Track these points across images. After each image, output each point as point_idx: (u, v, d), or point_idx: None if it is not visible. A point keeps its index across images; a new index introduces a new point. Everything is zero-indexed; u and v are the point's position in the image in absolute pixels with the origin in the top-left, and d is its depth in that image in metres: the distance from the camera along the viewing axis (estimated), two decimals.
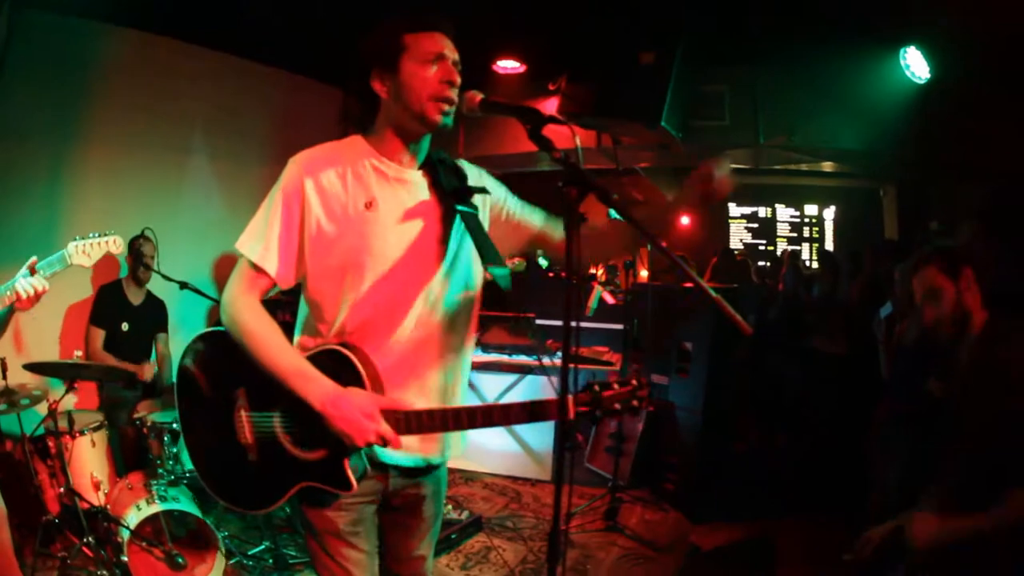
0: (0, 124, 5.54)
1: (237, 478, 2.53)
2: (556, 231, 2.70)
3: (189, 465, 4.86)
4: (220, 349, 2.52)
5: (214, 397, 2.53)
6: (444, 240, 2.41)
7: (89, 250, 3.67)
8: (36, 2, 5.53)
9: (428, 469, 2.56)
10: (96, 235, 3.73)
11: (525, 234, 2.70)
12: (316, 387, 2.21)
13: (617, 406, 2.12)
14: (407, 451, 2.36)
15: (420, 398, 2.38)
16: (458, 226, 2.43)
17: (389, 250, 2.33)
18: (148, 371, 5.92)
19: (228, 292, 2.37)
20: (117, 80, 6.34)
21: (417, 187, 2.41)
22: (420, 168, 2.44)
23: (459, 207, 2.38)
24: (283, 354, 2.29)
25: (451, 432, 2.42)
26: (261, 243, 2.32)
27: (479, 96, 2.22)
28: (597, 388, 2.12)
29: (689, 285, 7.59)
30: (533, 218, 2.72)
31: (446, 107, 2.28)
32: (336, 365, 2.29)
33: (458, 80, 2.29)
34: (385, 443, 2.18)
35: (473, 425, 2.27)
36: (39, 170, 5.92)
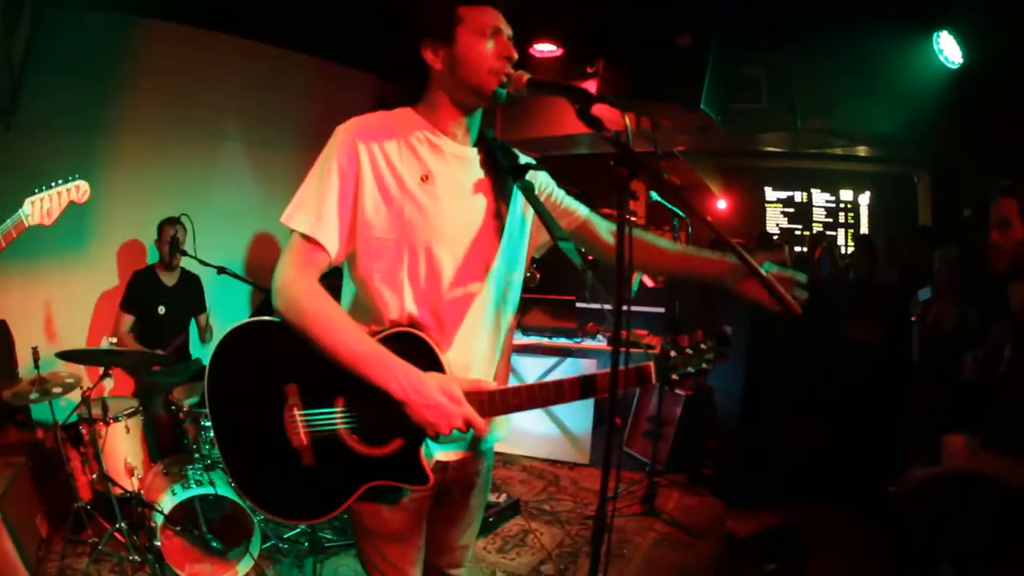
0: (29, 119, 5.59)
1: (289, 486, 2.28)
2: (599, 227, 2.66)
3: None
4: (259, 343, 2.28)
5: (256, 398, 2.25)
6: (501, 218, 2.36)
7: (48, 204, 3.51)
8: (57, 0, 5.58)
9: (478, 456, 2.51)
10: (57, 183, 3.57)
11: (569, 222, 2.64)
12: (397, 373, 2.06)
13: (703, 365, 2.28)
14: (462, 438, 2.27)
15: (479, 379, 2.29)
16: (513, 204, 2.40)
17: (448, 226, 2.23)
18: (181, 341, 5.99)
19: (282, 274, 2.15)
20: (145, 71, 6.42)
21: (472, 163, 2.34)
22: (474, 145, 2.37)
23: (518, 184, 2.34)
24: (357, 339, 2.10)
25: (498, 415, 2.27)
26: (313, 214, 2.14)
27: (526, 76, 2.16)
28: (674, 353, 2.23)
29: None
30: (579, 208, 2.66)
31: (504, 79, 2.19)
32: (410, 349, 2.14)
33: (515, 55, 2.22)
34: (469, 428, 2.09)
35: (561, 399, 2.19)
36: (70, 163, 5.91)
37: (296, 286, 2.12)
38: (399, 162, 2.19)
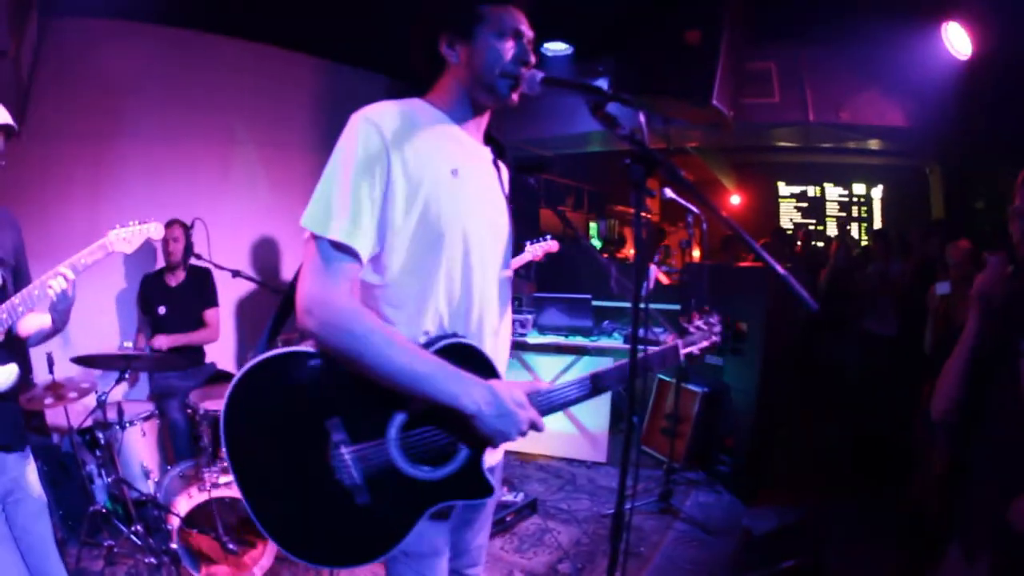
0: (38, 126, 5.62)
1: (342, 531, 2.06)
2: None
3: None
4: (285, 378, 2.02)
5: (291, 441, 2.03)
6: (507, 216, 2.35)
7: (129, 236, 3.64)
8: (63, 9, 5.59)
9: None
10: (136, 223, 3.69)
11: None
12: (467, 385, 1.96)
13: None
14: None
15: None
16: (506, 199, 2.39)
17: (477, 221, 2.16)
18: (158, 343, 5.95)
19: (310, 290, 1.94)
20: (154, 77, 6.45)
21: (487, 161, 2.32)
22: (486, 143, 2.34)
23: (529, 181, 2.34)
24: (416, 357, 1.95)
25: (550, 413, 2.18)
26: (345, 218, 1.93)
27: (541, 74, 2.13)
28: (693, 329, 2.33)
29: (744, 265, 7.55)
30: None
31: (516, 83, 2.15)
32: (468, 360, 2.04)
33: (533, 60, 2.17)
34: (534, 428, 2.05)
35: (604, 389, 2.21)
36: (80, 170, 6.04)
37: (331, 303, 1.92)
38: (429, 156, 2.07)
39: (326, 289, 1.93)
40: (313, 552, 2.07)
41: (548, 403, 2.16)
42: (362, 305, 1.99)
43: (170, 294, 6.16)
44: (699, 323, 2.36)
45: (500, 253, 2.30)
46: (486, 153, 2.33)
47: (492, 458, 2.27)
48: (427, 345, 2.06)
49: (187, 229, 5.99)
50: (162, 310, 6.09)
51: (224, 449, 2.04)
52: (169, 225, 5.94)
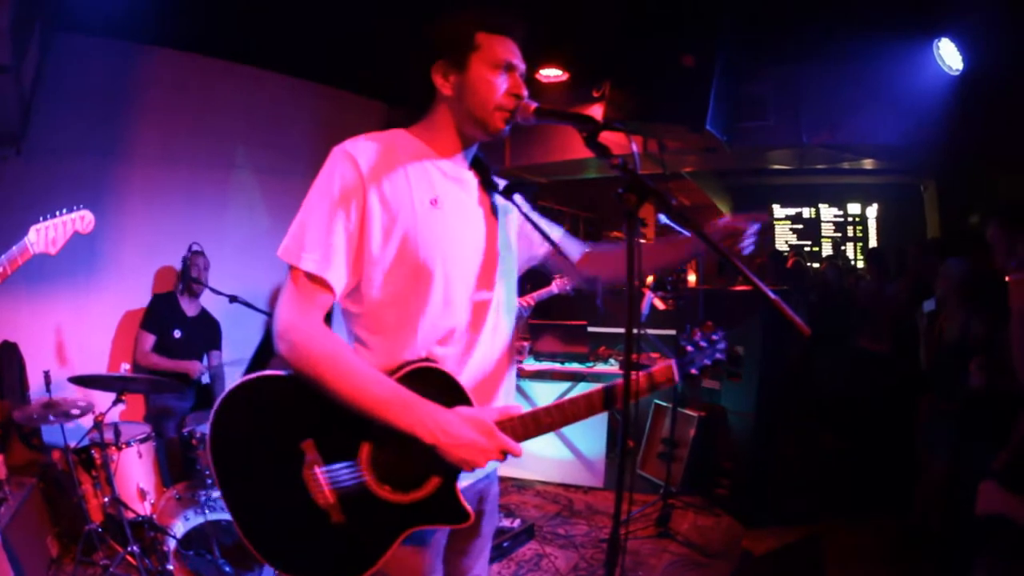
0: (38, 144, 5.63)
1: (320, 549, 2.10)
2: (572, 247, 2.68)
3: None
4: (264, 399, 2.10)
5: (269, 460, 2.09)
6: (499, 240, 2.33)
7: (52, 232, 3.49)
8: (67, 25, 5.62)
9: (490, 482, 2.47)
10: (62, 211, 3.55)
11: (541, 245, 2.64)
12: (422, 416, 1.95)
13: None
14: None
15: (501, 404, 2.27)
16: (504, 223, 2.38)
17: (458, 250, 2.18)
18: (197, 368, 5.99)
19: (284, 316, 2.02)
20: (154, 99, 6.50)
21: (471, 186, 2.31)
22: (470, 167, 2.34)
23: (518, 205, 2.34)
24: (375, 382, 1.97)
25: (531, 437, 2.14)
26: (317, 250, 2.01)
27: (534, 105, 2.14)
28: (691, 348, 2.26)
29: (739, 289, 7.57)
30: (552, 230, 2.60)
31: (508, 116, 2.16)
32: (432, 384, 2.05)
33: (525, 93, 2.17)
34: (505, 457, 2.02)
35: (591, 412, 2.15)
36: (80, 189, 5.99)
37: (302, 329, 2.00)
38: (407, 187, 2.11)
39: (298, 315, 2.01)
40: (297, 569, 2.11)
41: (535, 428, 2.13)
42: (332, 332, 2.03)
43: (187, 322, 6.22)
44: (699, 340, 2.33)
45: (491, 278, 2.29)
46: (470, 178, 2.33)
47: (466, 481, 2.21)
48: (396, 370, 2.09)
49: (194, 255, 6.05)
50: (177, 334, 6.12)
51: (212, 467, 2.11)
52: (199, 254, 6.04)
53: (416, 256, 2.09)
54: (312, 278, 2.02)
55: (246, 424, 2.10)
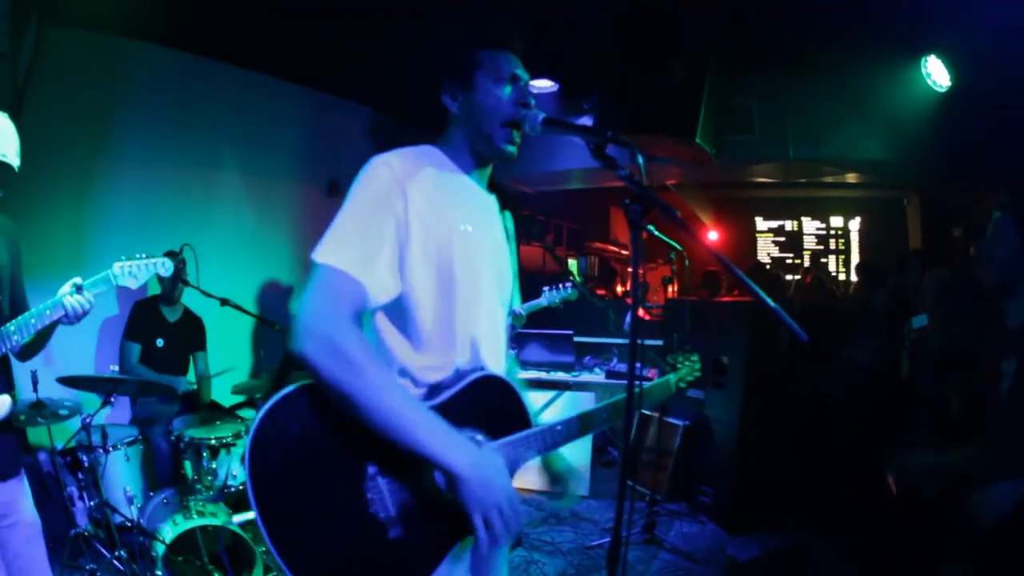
0: (28, 133, 5.62)
1: (369, 568, 1.92)
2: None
3: (226, 481, 4.90)
4: (319, 410, 1.89)
5: (324, 476, 1.90)
6: (509, 262, 2.37)
7: (135, 271, 3.53)
8: (62, 18, 5.63)
9: None
10: (143, 256, 3.58)
11: None
12: (456, 446, 1.86)
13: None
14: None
15: None
16: (513, 245, 2.41)
17: (485, 269, 2.19)
18: (180, 387, 5.95)
19: (313, 312, 1.84)
20: (145, 96, 6.48)
21: (493, 207, 2.35)
22: (488, 191, 2.35)
23: (529, 231, 2.36)
24: (410, 404, 1.88)
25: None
26: (355, 251, 1.91)
27: (541, 115, 2.13)
28: (678, 365, 2.49)
29: (724, 299, 7.63)
30: None
31: (516, 137, 2.18)
32: (492, 395, 2.06)
33: (532, 103, 2.18)
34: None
35: (593, 429, 2.30)
36: (67, 184, 6.03)
37: (331, 326, 1.82)
38: (443, 205, 2.08)
39: (330, 310, 1.85)
40: None
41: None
42: (364, 336, 1.91)
43: (168, 328, 6.19)
44: (684, 359, 2.60)
45: (505, 302, 2.35)
46: (492, 203, 2.37)
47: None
48: (459, 377, 2.09)
49: (175, 259, 6.01)
50: (160, 343, 6.10)
51: (248, 483, 1.84)
52: (183, 260, 5.96)
53: (450, 271, 2.08)
54: (346, 278, 1.88)
55: (295, 435, 1.89)
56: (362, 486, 1.90)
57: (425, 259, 2.04)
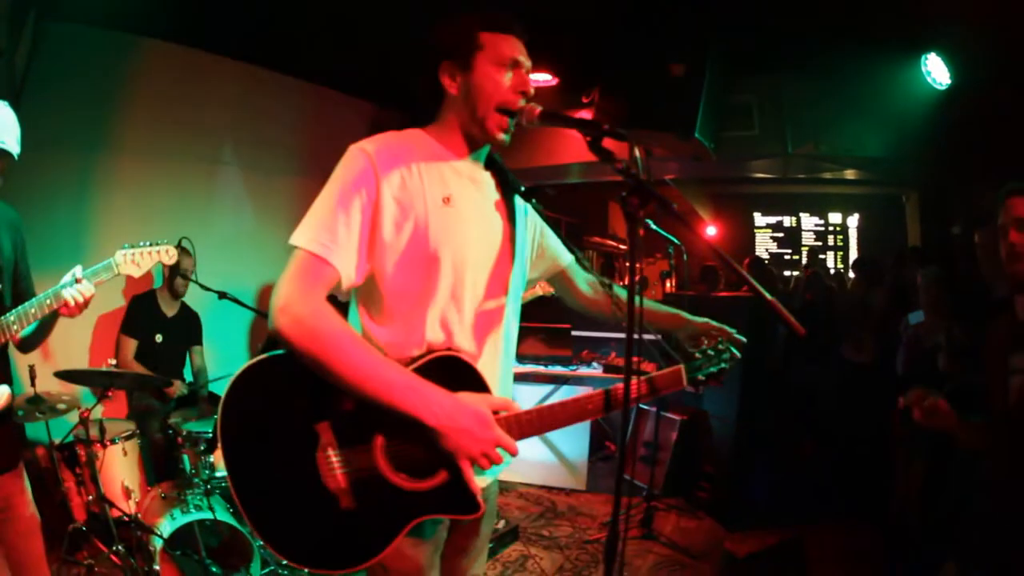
0: (27, 129, 5.61)
1: (326, 534, 2.06)
2: (578, 278, 2.73)
3: (224, 473, 4.85)
4: (279, 379, 2.06)
5: (282, 441, 2.05)
6: (515, 238, 2.35)
7: (139, 259, 3.52)
8: (61, 13, 5.61)
9: (493, 482, 2.47)
10: (147, 243, 3.58)
11: (550, 266, 2.69)
12: (431, 400, 1.94)
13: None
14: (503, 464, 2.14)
15: None
16: (522, 225, 2.41)
17: (471, 248, 2.19)
18: (178, 388, 5.90)
19: (284, 291, 1.96)
20: (144, 91, 6.42)
21: (487, 185, 2.34)
22: (486, 167, 2.37)
23: (534, 205, 2.36)
24: (378, 362, 1.96)
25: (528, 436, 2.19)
26: (327, 234, 2.00)
27: (538, 108, 2.15)
28: (699, 355, 2.40)
29: (722, 295, 7.63)
30: (563, 254, 2.69)
31: (510, 125, 2.20)
32: (453, 375, 2.06)
33: (531, 91, 2.20)
34: (497, 452, 2.01)
35: (593, 415, 2.21)
36: (67, 179, 5.98)
37: (304, 304, 1.94)
38: (420, 184, 2.13)
39: (297, 291, 1.96)
40: (300, 554, 2.07)
41: (536, 425, 2.20)
42: (335, 311, 1.99)
43: (167, 323, 6.17)
44: (707, 348, 2.42)
45: (504, 276, 2.32)
46: (486, 178, 2.36)
47: (483, 481, 2.28)
48: (417, 358, 2.12)
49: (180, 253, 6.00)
50: (159, 338, 6.08)
51: (220, 446, 2.07)
52: (188, 252, 5.91)
53: (426, 250, 2.11)
54: (318, 260, 1.99)
55: (259, 404, 2.07)
56: (314, 455, 2.04)
57: (397, 241, 2.10)
